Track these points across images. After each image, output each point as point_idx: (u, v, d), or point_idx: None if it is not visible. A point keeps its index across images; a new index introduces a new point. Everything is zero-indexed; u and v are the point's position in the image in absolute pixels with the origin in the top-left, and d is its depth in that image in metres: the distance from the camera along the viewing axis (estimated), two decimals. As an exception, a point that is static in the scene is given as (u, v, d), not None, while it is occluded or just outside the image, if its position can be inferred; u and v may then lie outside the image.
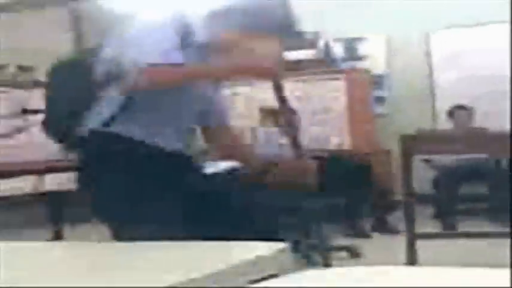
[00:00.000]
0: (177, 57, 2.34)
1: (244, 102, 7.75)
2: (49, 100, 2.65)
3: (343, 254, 5.49)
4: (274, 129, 6.56)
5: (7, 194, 6.33)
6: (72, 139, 2.53)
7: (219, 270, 1.03)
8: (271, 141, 6.55)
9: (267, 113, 6.76)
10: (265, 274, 1.07)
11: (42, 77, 7.10)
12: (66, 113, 2.55)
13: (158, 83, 2.37)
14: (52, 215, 5.89)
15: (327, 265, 4.97)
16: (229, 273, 1.03)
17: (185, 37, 2.42)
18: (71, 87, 2.58)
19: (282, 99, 2.57)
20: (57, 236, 5.56)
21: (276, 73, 2.46)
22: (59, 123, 2.61)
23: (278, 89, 2.54)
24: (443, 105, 7.62)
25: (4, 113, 7.30)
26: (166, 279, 0.98)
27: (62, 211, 5.96)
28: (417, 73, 8.11)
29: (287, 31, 2.46)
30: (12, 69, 7.68)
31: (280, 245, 1.18)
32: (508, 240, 4.11)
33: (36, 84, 7.46)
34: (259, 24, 2.41)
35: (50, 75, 2.72)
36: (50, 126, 2.65)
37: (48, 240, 5.15)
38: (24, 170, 5.61)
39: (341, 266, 4.97)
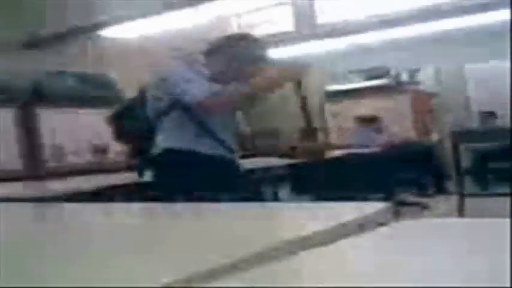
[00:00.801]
0: (211, 88, 2.31)
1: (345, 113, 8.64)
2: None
3: (416, 208, 5.89)
4: (365, 129, 7.62)
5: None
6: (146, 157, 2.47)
7: (326, 228, 0.91)
8: (363, 137, 7.48)
9: (361, 119, 7.81)
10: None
11: None
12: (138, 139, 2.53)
13: (216, 110, 2.35)
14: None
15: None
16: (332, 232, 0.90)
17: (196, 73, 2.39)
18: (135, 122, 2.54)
19: (303, 99, 2.68)
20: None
21: (297, 77, 2.61)
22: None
23: (298, 91, 2.67)
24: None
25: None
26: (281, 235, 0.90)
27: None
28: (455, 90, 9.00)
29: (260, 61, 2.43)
30: None
31: (383, 204, 1.06)
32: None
33: None
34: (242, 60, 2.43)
35: (117, 116, 2.70)
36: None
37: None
38: None
39: (416, 216, 6.02)
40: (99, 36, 7.18)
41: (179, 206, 1.60)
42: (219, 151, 2.39)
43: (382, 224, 0.97)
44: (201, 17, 7.10)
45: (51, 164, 6.12)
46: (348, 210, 1.13)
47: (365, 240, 0.90)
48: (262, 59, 2.51)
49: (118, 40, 7.35)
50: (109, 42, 7.30)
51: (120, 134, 2.71)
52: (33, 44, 6.98)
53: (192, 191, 2.04)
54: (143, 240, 1.01)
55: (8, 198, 2.76)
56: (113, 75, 7.20)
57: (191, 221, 1.27)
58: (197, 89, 2.31)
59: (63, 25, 6.91)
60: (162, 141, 2.39)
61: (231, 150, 2.45)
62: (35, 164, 6.02)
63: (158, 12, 6.59)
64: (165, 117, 2.38)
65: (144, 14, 6.66)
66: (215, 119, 2.39)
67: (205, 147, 2.35)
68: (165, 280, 0.65)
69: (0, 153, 5.76)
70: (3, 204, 2.00)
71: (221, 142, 2.39)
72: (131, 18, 6.76)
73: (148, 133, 2.43)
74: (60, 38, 6.98)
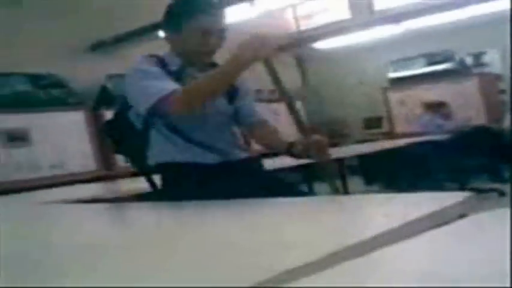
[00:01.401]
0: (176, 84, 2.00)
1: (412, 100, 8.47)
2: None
3: (492, 194, 5.67)
4: (433, 116, 7.24)
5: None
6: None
7: (416, 218, 0.93)
8: (430, 123, 7.21)
9: (427, 105, 7.49)
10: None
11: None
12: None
13: (187, 108, 1.97)
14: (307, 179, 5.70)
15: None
16: (421, 222, 0.92)
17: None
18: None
19: (276, 81, 1.95)
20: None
21: (270, 53, 1.88)
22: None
23: (271, 69, 1.91)
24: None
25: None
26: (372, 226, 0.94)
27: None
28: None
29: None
30: (266, 91, 8.00)
31: (464, 193, 1.08)
32: None
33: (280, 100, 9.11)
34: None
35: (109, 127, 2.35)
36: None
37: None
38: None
39: (490, 203, 5.92)
40: (158, 37, 7.17)
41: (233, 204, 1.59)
42: (209, 158, 2.09)
43: (463, 216, 0.99)
44: (256, 10, 7.00)
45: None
46: (428, 202, 1.14)
47: (450, 232, 0.90)
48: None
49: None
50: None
51: (115, 146, 2.40)
52: (100, 47, 7.09)
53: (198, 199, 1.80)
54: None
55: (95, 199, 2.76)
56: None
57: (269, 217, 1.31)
58: (146, 96, 2.00)
59: (123, 29, 6.99)
60: (153, 155, 2.16)
61: (225, 152, 2.13)
62: (108, 165, 6.10)
63: (215, 7, 6.51)
64: (151, 129, 2.14)
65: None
66: (192, 122, 2.08)
67: (194, 156, 2.08)
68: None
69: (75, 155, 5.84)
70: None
71: (209, 148, 2.09)
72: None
73: (139, 144, 2.19)
74: (121, 42, 7.06)
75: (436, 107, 7.23)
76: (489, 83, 8.15)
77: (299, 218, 1.25)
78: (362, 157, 6.91)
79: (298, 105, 8.53)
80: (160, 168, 2.15)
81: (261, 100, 8.01)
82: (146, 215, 1.83)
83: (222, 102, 2.17)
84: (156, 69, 2.07)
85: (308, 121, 8.66)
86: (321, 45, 9.06)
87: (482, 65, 8.35)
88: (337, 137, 8.78)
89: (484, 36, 8.36)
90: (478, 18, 7.90)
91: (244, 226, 1.21)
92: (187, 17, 2.10)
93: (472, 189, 5.44)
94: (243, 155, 2.19)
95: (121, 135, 2.29)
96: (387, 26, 8.36)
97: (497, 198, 5.64)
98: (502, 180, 6.68)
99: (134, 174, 2.73)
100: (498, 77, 8.51)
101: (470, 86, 7.82)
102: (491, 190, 5.82)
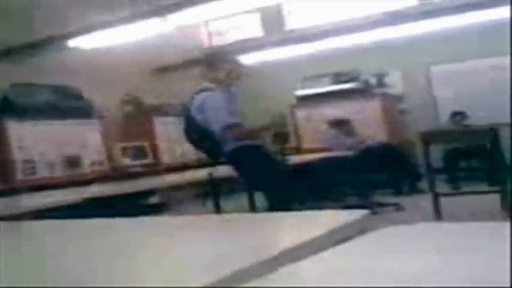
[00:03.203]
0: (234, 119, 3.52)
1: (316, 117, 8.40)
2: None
3: (391, 208, 5.87)
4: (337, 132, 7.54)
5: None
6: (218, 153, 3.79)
7: (314, 237, 0.92)
8: (334, 140, 7.47)
9: (331, 122, 7.75)
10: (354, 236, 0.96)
11: None
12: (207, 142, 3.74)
13: (240, 136, 3.58)
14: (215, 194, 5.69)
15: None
16: (322, 239, 0.92)
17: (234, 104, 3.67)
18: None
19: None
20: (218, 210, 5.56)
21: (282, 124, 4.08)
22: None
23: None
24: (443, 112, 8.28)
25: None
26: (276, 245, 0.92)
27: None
28: (422, 92, 8.85)
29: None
30: (177, 106, 7.57)
31: (363, 211, 1.08)
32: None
33: None
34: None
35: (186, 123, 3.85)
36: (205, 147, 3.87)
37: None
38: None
39: (391, 217, 6.12)
40: (66, 46, 6.91)
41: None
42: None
43: (361, 232, 1.01)
44: (170, 26, 6.88)
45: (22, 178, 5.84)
46: (326, 219, 1.16)
47: (346, 249, 0.90)
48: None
49: (86, 50, 7.12)
50: (77, 53, 7.06)
51: (196, 144, 3.83)
52: (6, 55, 6.71)
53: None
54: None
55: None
56: (81, 85, 6.96)
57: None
58: (223, 118, 3.56)
59: (31, 36, 6.65)
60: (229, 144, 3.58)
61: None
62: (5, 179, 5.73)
63: (126, 22, 6.35)
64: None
65: (112, 24, 6.43)
66: None
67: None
68: (205, 280, 0.71)
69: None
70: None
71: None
72: (99, 27, 6.54)
73: (213, 141, 3.63)
74: (29, 49, 6.72)
75: (339, 124, 7.34)
76: (390, 102, 8.39)
77: (204, 234, 1.24)
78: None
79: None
80: (236, 151, 3.57)
81: (170, 114, 7.91)
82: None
83: None
84: (227, 99, 3.65)
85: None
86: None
87: (384, 85, 8.62)
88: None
89: (387, 57, 8.68)
90: (383, 40, 8.17)
91: (156, 242, 1.21)
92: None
93: (373, 204, 5.57)
94: None
95: (198, 137, 3.68)
96: (298, 44, 8.45)
97: (395, 212, 5.83)
98: (401, 194, 6.97)
99: (32, 189, 2.83)
100: (399, 98, 8.84)
101: (373, 105, 7.99)
102: (390, 204, 5.99)
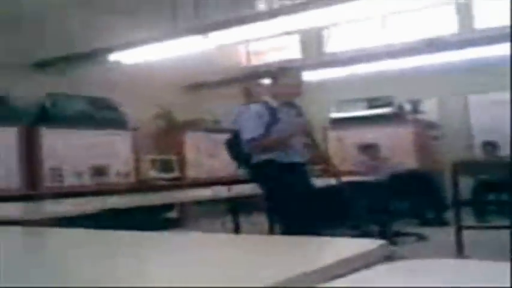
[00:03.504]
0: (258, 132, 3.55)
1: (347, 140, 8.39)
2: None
3: (414, 238, 5.83)
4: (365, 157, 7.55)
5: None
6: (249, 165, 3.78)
7: (326, 264, 0.91)
8: (362, 165, 7.43)
9: (361, 147, 7.75)
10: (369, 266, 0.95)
11: (226, 126, 8.20)
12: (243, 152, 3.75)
13: (258, 150, 3.62)
14: (233, 215, 5.88)
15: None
16: (332, 268, 0.90)
17: (272, 118, 3.63)
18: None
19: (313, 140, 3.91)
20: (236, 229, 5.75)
21: (309, 131, 3.83)
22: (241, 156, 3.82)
23: (311, 136, 3.92)
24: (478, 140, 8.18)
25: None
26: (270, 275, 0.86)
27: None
28: (458, 120, 8.83)
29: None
30: (208, 122, 8.41)
31: (380, 241, 1.07)
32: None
33: (222, 130, 7.86)
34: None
35: (232, 135, 3.94)
36: (236, 157, 3.95)
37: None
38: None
39: (412, 247, 6.02)
40: (107, 60, 7.15)
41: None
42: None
43: (377, 262, 0.99)
44: (210, 44, 7.01)
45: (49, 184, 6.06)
46: (341, 247, 1.15)
47: (354, 280, 0.89)
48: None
49: (126, 65, 7.34)
50: (117, 67, 7.29)
51: (232, 155, 3.95)
52: (40, 66, 6.99)
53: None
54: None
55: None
56: (118, 98, 7.18)
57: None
58: (247, 131, 3.65)
59: (71, 48, 6.93)
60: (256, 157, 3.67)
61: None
62: (32, 184, 5.96)
63: (167, 38, 6.53)
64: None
65: (153, 40, 6.61)
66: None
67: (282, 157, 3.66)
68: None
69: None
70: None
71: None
72: (140, 43, 6.73)
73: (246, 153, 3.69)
74: (67, 61, 6.99)
75: (368, 149, 7.28)
76: (423, 129, 8.30)
77: (221, 253, 1.23)
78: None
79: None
80: (261, 164, 3.63)
81: (202, 130, 8.05)
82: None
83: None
84: (258, 115, 3.67)
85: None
86: (268, 81, 9.05)
87: (419, 112, 8.42)
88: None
89: (424, 84, 8.57)
90: (421, 67, 8.09)
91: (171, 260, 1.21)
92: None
93: (395, 233, 5.46)
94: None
95: (237, 148, 3.76)
96: (336, 68, 8.46)
97: (416, 242, 5.76)
98: (426, 224, 6.81)
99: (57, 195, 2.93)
100: (433, 125, 8.71)
101: (404, 131, 7.95)
102: (412, 234, 5.95)
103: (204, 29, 6.39)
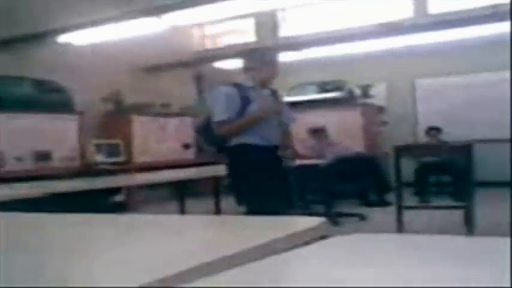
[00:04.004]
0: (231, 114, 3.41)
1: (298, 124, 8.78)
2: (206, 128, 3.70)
3: (355, 218, 6.04)
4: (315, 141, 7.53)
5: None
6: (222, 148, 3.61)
7: (270, 240, 0.95)
8: (312, 148, 7.41)
9: (310, 131, 7.71)
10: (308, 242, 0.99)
11: (175, 110, 8.24)
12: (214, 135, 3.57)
13: (227, 132, 3.48)
14: (180, 195, 5.91)
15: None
16: (272, 245, 0.94)
17: (244, 99, 3.46)
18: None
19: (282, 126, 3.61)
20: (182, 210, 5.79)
21: (278, 111, 3.56)
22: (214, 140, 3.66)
23: (280, 120, 3.57)
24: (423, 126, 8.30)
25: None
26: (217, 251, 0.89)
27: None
28: (405, 105, 9.03)
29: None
30: (157, 106, 8.39)
31: (320, 219, 1.10)
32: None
33: (171, 114, 8.38)
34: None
35: (205, 120, 3.76)
36: (210, 142, 3.78)
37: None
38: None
39: (356, 226, 6.19)
40: (57, 42, 7.09)
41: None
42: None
43: (320, 238, 1.02)
44: (163, 26, 7.01)
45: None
46: (281, 225, 1.18)
47: (295, 255, 0.92)
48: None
49: (75, 47, 7.29)
50: (66, 49, 7.23)
51: (206, 139, 3.84)
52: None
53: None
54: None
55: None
56: (66, 81, 7.12)
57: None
58: (216, 114, 3.53)
59: (19, 29, 6.84)
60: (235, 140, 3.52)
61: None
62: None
63: (119, 20, 6.50)
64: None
65: (104, 21, 6.57)
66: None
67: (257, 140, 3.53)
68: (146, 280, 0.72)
69: None
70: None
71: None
72: (91, 24, 6.68)
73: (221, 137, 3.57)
74: (14, 43, 6.90)
75: (317, 133, 7.41)
76: (371, 113, 8.40)
77: (162, 233, 1.25)
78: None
79: (189, 121, 8.56)
80: (235, 148, 3.51)
81: (150, 114, 8.06)
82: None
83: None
84: (227, 97, 3.53)
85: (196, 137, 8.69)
86: (222, 64, 9.13)
87: (369, 96, 8.55)
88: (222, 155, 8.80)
89: (375, 69, 8.78)
90: (373, 52, 8.29)
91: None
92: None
93: (337, 213, 5.63)
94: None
95: (209, 133, 3.62)
96: (290, 51, 8.52)
97: (359, 221, 5.96)
98: (369, 205, 7.07)
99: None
100: (381, 109, 8.87)
101: (353, 115, 8.04)
102: (354, 215, 6.14)
103: (157, 10, 6.37)
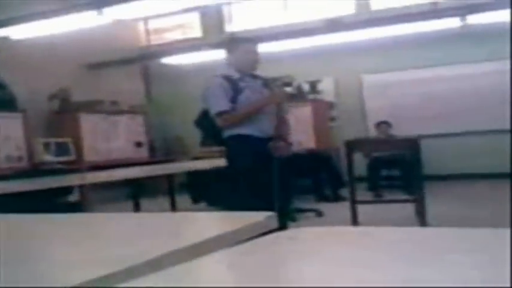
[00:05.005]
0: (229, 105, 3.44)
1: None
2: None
3: (311, 213, 6.06)
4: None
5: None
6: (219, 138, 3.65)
7: (220, 234, 0.96)
8: None
9: None
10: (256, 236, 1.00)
11: (124, 108, 8.05)
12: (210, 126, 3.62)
13: (230, 123, 3.54)
14: (134, 194, 6.11)
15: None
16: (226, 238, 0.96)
17: (234, 90, 3.52)
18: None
19: (281, 116, 3.69)
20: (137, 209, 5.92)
21: (281, 100, 3.72)
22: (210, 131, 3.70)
23: (280, 109, 3.68)
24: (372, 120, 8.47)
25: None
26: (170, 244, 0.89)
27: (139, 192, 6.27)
28: (354, 100, 9.09)
29: None
30: (107, 103, 8.17)
31: (268, 213, 1.11)
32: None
33: (121, 112, 8.26)
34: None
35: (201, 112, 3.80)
36: (209, 134, 3.85)
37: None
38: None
39: (312, 222, 6.22)
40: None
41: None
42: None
43: (268, 233, 1.03)
44: (106, 20, 6.77)
45: None
46: (234, 220, 1.18)
47: (239, 250, 0.92)
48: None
49: (15, 41, 6.95)
50: (5, 43, 6.89)
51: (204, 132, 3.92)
52: None
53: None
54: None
55: None
56: (7, 77, 6.79)
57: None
58: (214, 106, 3.53)
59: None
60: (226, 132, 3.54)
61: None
62: None
63: (60, 13, 6.23)
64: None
65: (44, 15, 6.28)
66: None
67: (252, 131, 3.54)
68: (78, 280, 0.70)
69: None
70: None
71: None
72: (31, 18, 6.38)
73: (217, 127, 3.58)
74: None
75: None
76: (320, 109, 8.40)
77: (105, 231, 1.25)
78: (191, 174, 6.89)
79: (140, 119, 8.39)
80: (231, 138, 3.55)
81: (101, 111, 7.83)
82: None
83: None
84: (222, 88, 3.54)
85: (147, 135, 8.54)
86: (169, 60, 8.95)
87: (317, 92, 8.52)
88: (175, 153, 8.72)
89: (322, 64, 8.81)
90: (319, 47, 8.29)
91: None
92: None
93: (294, 209, 5.62)
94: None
95: (207, 125, 3.64)
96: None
97: (315, 217, 6.02)
98: (324, 200, 7.11)
99: None
100: (330, 105, 8.96)
101: (303, 111, 8.00)
102: (310, 210, 6.14)
103: (99, 3, 6.16)
